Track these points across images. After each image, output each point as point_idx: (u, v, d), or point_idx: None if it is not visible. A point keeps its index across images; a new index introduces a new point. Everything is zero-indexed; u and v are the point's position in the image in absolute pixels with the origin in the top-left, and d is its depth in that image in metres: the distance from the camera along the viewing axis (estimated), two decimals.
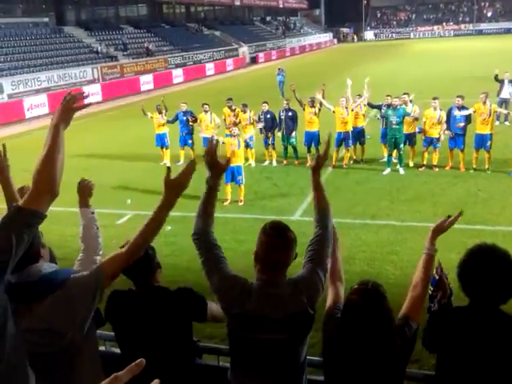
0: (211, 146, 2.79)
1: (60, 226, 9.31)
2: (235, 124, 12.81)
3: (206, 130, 14.09)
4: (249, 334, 2.70)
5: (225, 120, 14.75)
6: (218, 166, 2.77)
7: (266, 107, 14.36)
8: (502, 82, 16.89)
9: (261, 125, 13.86)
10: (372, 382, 2.62)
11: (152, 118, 14.97)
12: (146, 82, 35.26)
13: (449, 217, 2.94)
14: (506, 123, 16.65)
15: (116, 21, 44.81)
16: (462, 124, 12.33)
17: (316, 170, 2.96)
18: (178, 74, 38.87)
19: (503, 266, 2.50)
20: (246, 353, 2.78)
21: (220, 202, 11.36)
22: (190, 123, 14.65)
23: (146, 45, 39.56)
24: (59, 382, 2.57)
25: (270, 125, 14.23)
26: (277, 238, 2.67)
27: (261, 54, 52.53)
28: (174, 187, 2.55)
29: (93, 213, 3.18)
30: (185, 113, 14.70)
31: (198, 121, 14.44)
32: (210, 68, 43.06)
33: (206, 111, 14.38)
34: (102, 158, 15.85)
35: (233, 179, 11.44)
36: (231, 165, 11.42)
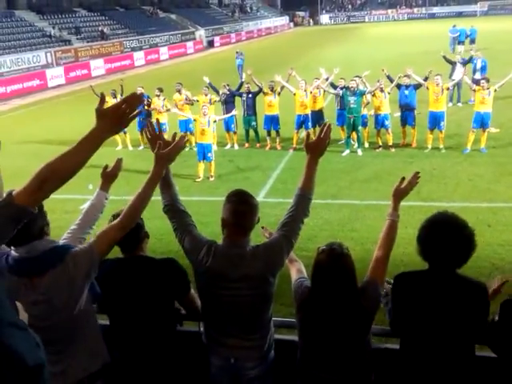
0: (149, 126, 2.93)
1: None
2: (190, 102, 12.69)
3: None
4: (212, 290, 2.92)
5: (176, 105, 14.17)
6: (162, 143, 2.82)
7: (226, 89, 14.42)
8: (454, 63, 17.28)
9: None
10: (340, 338, 2.85)
11: (107, 102, 14.69)
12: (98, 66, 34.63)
13: (403, 179, 3.07)
14: (459, 104, 17.19)
15: (69, 4, 43.45)
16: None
17: (317, 155, 2.99)
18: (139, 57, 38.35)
19: (460, 232, 2.70)
20: (213, 310, 2.98)
21: (192, 180, 11.75)
22: (146, 107, 14.55)
23: (100, 28, 38.70)
24: (62, 354, 2.69)
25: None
26: (240, 204, 2.90)
27: (217, 38, 52.06)
28: (164, 159, 2.78)
29: (106, 199, 3.31)
30: None
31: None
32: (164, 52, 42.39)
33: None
34: (59, 144, 15.56)
35: (204, 157, 11.80)
36: (201, 142, 11.82)
